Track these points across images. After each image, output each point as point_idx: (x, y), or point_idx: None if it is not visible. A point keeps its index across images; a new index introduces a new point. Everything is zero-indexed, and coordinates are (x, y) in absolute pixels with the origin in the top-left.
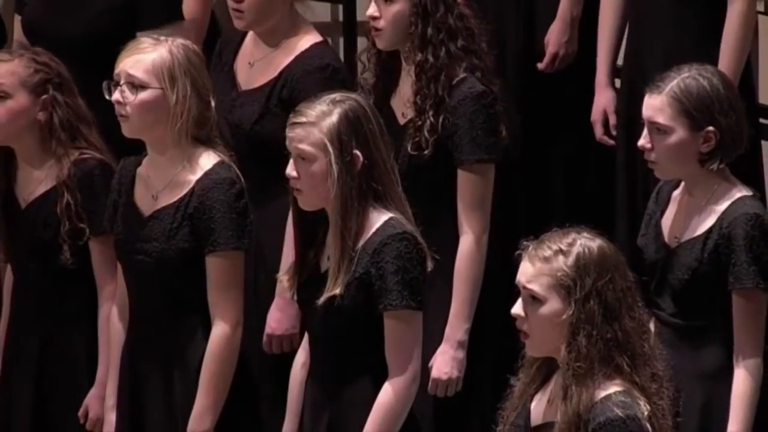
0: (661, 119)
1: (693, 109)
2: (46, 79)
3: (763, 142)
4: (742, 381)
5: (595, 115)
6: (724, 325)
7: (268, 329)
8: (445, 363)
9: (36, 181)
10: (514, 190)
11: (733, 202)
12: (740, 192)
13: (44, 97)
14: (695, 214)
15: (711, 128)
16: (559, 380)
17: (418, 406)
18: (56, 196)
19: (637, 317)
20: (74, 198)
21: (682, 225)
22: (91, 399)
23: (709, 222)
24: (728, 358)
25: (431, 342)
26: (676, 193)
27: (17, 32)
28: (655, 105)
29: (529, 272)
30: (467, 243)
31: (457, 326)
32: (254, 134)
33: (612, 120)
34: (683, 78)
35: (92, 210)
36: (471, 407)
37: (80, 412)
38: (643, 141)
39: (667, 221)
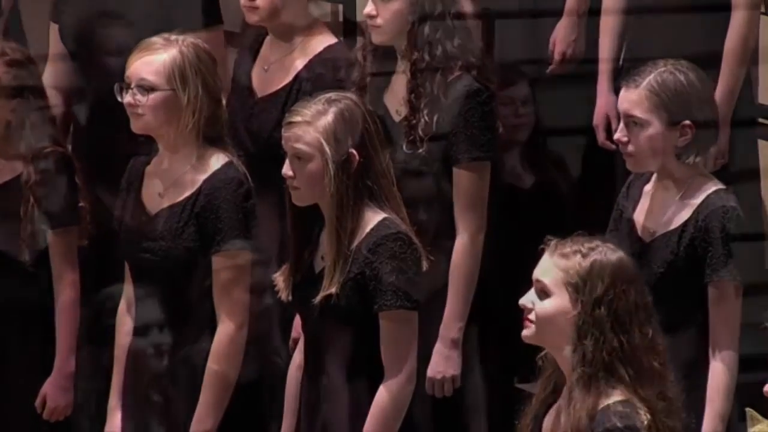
0: (638, 112)
1: (670, 103)
2: (23, 84)
3: (762, 142)
4: (719, 374)
5: (597, 119)
6: (699, 319)
7: (294, 333)
8: (439, 362)
9: None
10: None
11: (708, 196)
12: (715, 185)
13: (18, 99)
14: (670, 208)
15: (687, 122)
16: (566, 391)
17: (416, 407)
18: (15, 187)
19: (649, 335)
20: (37, 200)
21: (656, 219)
22: (48, 387)
23: (684, 215)
24: (703, 352)
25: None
26: (648, 187)
27: (53, 40)
28: (632, 98)
29: (544, 266)
30: (463, 242)
31: (450, 325)
32: (274, 141)
33: (614, 125)
34: (660, 72)
35: (52, 202)
36: (470, 408)
37: (37, 402)
38: (619, 134)
39: (639, 216)
